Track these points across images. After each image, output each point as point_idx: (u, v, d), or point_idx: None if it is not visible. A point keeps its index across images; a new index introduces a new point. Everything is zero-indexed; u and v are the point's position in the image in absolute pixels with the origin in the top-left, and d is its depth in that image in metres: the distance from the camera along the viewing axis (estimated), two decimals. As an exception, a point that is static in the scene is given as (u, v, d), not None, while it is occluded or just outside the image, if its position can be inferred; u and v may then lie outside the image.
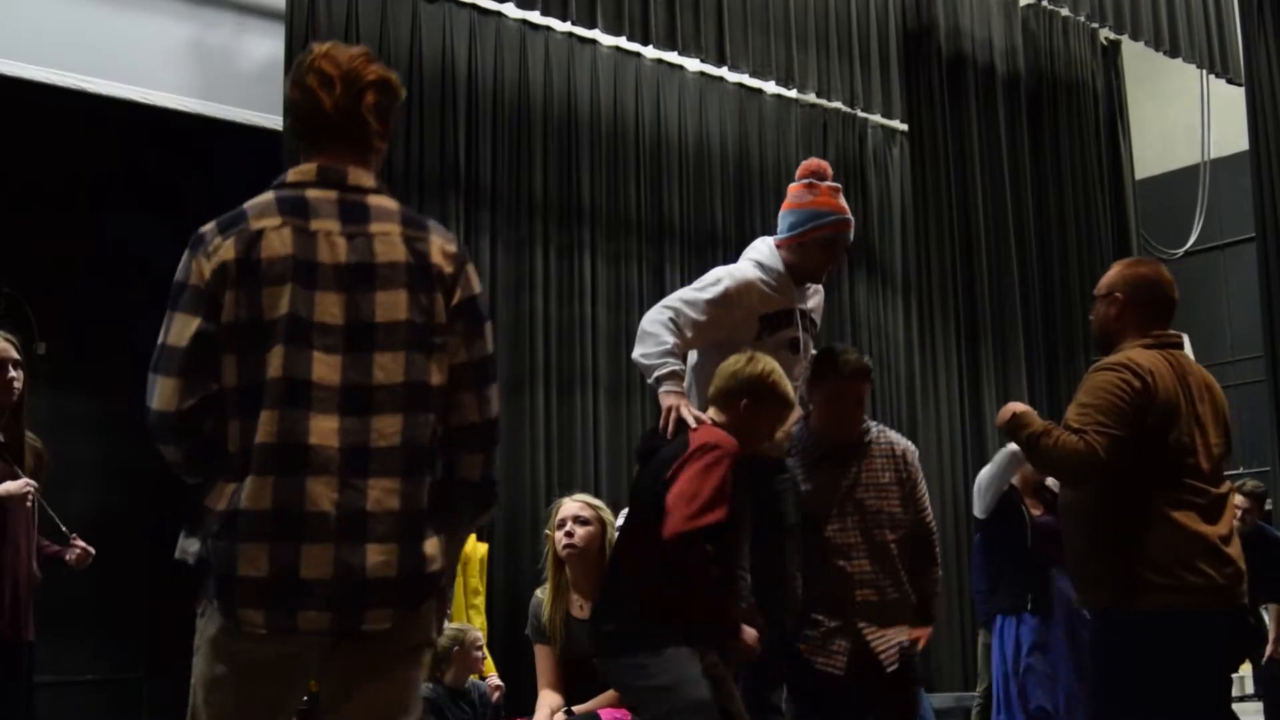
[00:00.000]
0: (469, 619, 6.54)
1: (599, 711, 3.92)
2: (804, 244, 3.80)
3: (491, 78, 7.59)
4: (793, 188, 3.91)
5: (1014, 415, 3.55)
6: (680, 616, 3.21)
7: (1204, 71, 9.83)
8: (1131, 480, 3.38)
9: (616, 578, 3.42)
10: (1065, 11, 9.33)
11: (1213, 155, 10.33)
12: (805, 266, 3.82)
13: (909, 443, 4.06)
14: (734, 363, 3.41)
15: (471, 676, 5.12)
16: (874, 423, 4.08)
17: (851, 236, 3.89)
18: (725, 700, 3.31)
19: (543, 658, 4.10)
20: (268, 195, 2.31)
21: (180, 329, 2.20)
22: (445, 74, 7.37)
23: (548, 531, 4.11)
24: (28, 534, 4.01)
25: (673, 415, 3.39)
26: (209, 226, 2.30)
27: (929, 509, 4.05)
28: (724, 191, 8.50)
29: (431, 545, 2.20)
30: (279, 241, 2.21)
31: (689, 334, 3.62)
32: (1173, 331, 3.63)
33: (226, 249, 2.23)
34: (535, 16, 7.55)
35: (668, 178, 8.26)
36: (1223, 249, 10.76)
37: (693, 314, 3.63)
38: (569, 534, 3.99)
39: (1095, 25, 9.52)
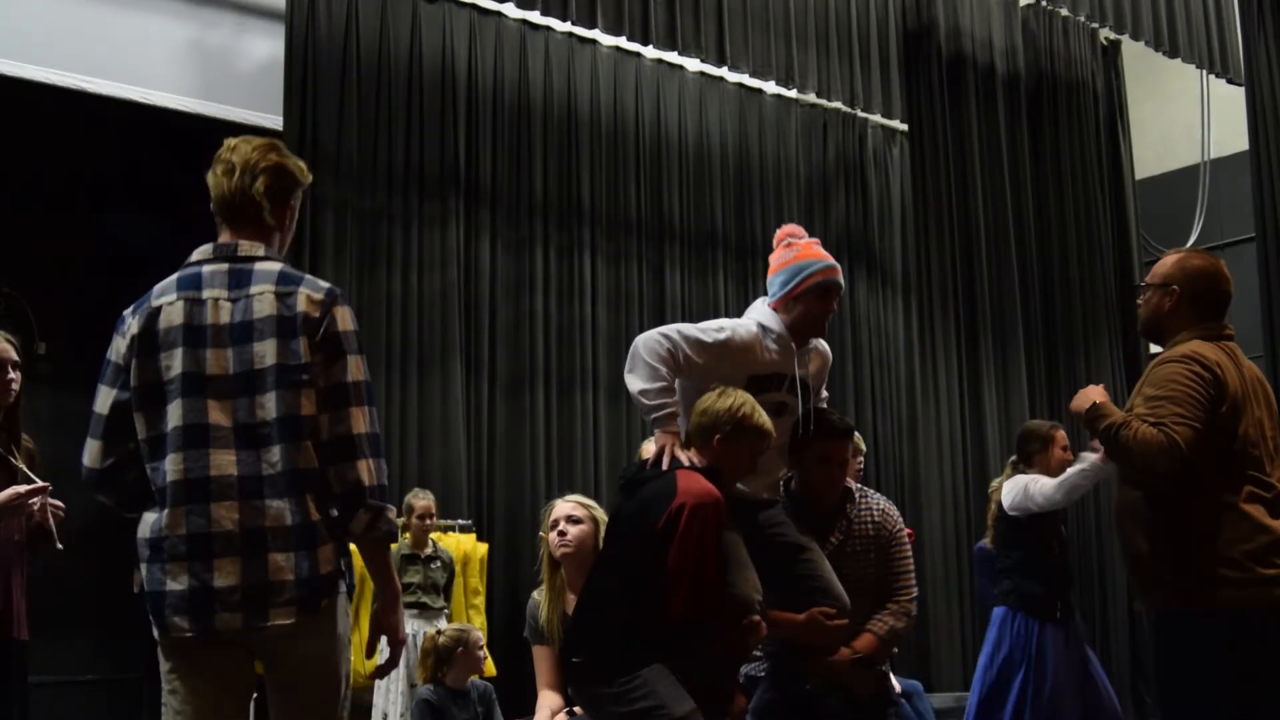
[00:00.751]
0: (469, 619, 6.54)
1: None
2: (798, 298, 3.80)
3: (491, 78, 7.59)
4: (773, 254, 3.93)
5: (1093, 405, 3.47)
6: (655, 645, 3.22)
7: (1204, 71, 9.83)
8: (1197, 475, 3.30)
9: (587, 610, 3.44)
10: (1065, 11, 9.32)
11: (1213, 155, 10.32)
12: (806, 320, 3.81)
13: (891, 505, 4.04)
14: (706, 400, 3.47)
15: (472, 676, 5.13)
16: (857, 486, 4.05)
17: (843, 285, 3.89)
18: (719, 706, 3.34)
19: (541, 659, 4.10)
20: (171, 276, 2.73)
21: (103, 400, 2.72)
22: (445, 74, 7.37)
23: (542, 534, 4.13)
24: (19, 533, 4.01)
25: (666, 454, 3.46)
26: (128, 309, 2.74)
27: (909, 575, 3.97)
28: (724, 191, 8.50)
29: (326, 551, 2.58)
30: (173, 313, 2.64)
31: (683, 368, 3.64)
32: (1227, 325, 3.54)
33: (133, 325, 2.68)
34: (535, 16, 7.56)
35: (668, 178, 8.27)
36: (1223, 249, 10.74)
37: (690, 352, 3.63)
38: (562, 534, 4.00)
39: (1095, 25, 9.52)
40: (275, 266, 2.68)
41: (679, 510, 3.22)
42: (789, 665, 3.81)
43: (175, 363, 2.60)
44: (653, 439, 3.63)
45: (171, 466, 2.56)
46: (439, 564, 6.41)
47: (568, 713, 4.00)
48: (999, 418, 9.30)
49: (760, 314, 3.86)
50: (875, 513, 3.95)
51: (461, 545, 6.73)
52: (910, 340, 8.97)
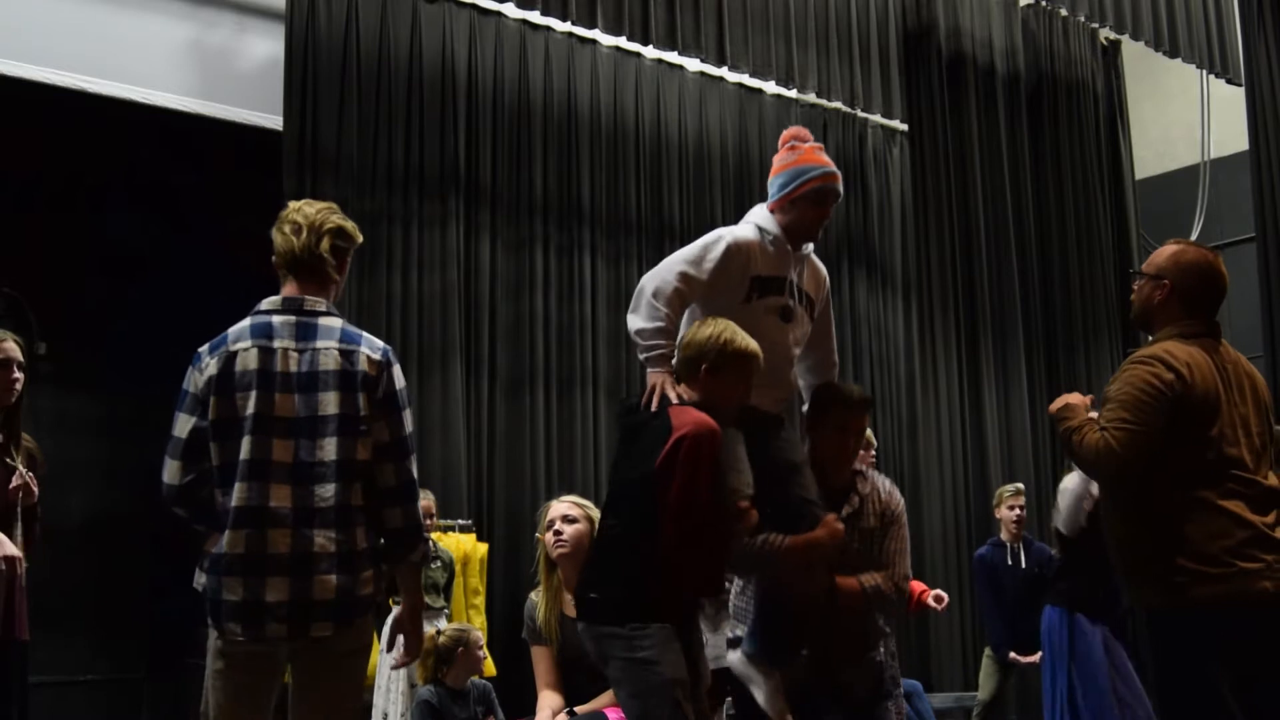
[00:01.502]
0: (469, 619, 6.54)
1: (604, 710, 3.93)
2: (795, 201, 3.83)
3: (491, 78, 7.59)
4: (776, 156, 3.96)
5: (1063, 406, 3.51)
6: (668, 595, 3.28)
7: (1204, 71, 9.83)
8: (1170, 475, 3.32)
9: (600, 551, 3.51)
10: (1065, 11, 9.32)
11: (1213, 155, 10.32)
12: (800, 225, 3.84)
13: (894, 487, 4.05)
14: (688, 334, 3.51)
15: (472, 676, 5.13)
16: (865, 467, 4.06)
17: (841, 190, 3.91)
18: (696, 684, 3.36)
19: (540, 659, 4.12)
20: (245, 322, 3.08)
21: (182, 425, 3.05)
22: (445, 74, 7.37)
23: (538, 535, 4.14)
24: (22, 534, 4.02)
25: (656, 392, 3.48)
26: (204, 348, 3.09)
27: (905, 556, 3.96)
28: (724, 191, 8.50)
29: (366, 575, 3.00)
30: (249, 359, 3.01)
31: (690, 295, 3.68)
32: (1216, 321, 3.54)
33: (211, 366, 3.03)
34: (535, 16, 7.55)
35: (668, 178, 8.26)
36: (1223, 249, 10.74)
37: (694, 272, 3.67)
38: (558, 534, 4.02)
39: (1095, 25, 9.52)
40: (337, 323, 3.10)
41: (675, 445, 3.26)
42: (775, 614, 3.76)
43: (249, 403, 2.98)
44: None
45: (237, 494, 2.95)
46: (439, 564, 6.40)
47: (568, 713, 4.01)
48: (999, 418, 9.31)
49: (758, 216, 3.90)
50: (882, 492, 3.97)
51: (461, 545, 6.72)
52: (910, 340, 8.97)
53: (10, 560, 3.90)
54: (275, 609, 2.91)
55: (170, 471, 3.05)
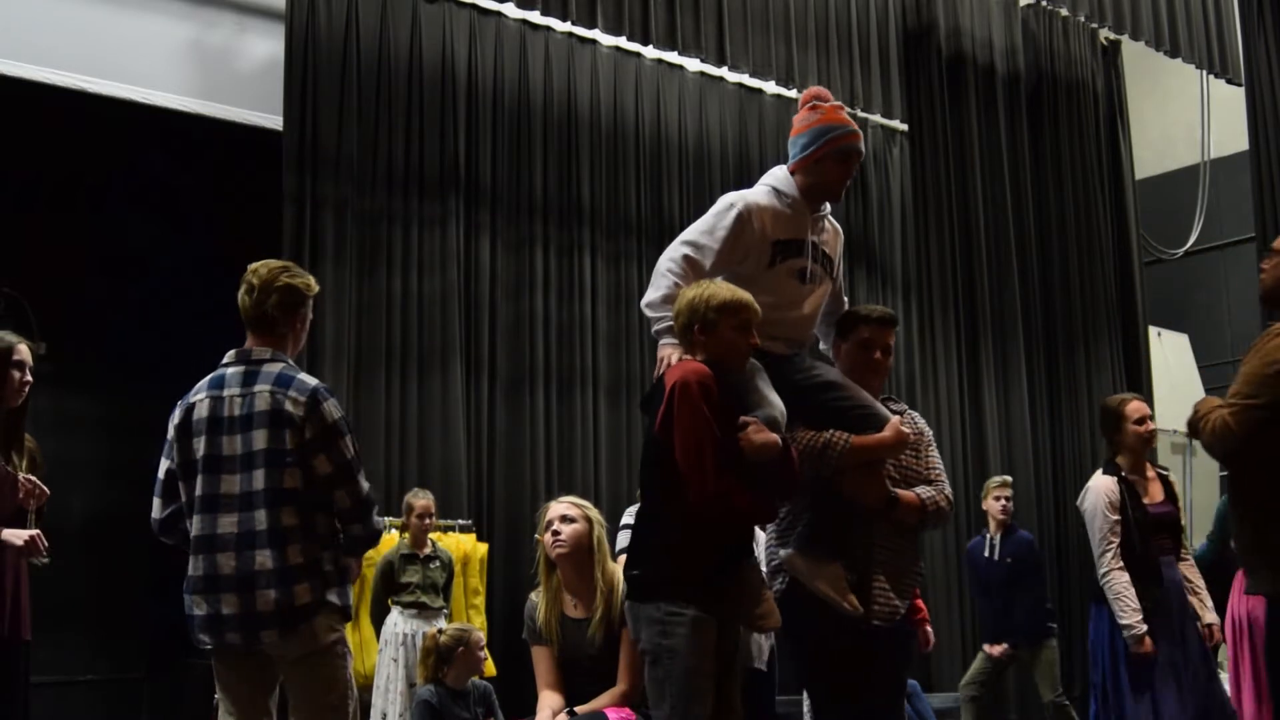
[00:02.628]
0: (469, 619, 6.54)
1: (604, 710, 3.93)
2: (819, 161, 3.74)
3: (491, 78, 7.59)
4: (797, 116, 3.89)
5: (1201, 401, 3.46)
6: (687, 569, 3.26)
7: (1204, 71, 9.84)
8: None
9: (638, 530, 3.51)
10: (1065, 11, 9.33)
11: (1213, 155, 10.33)
12: (824, 184, 3.76)
13: (922, 420, 3.97)
14: (675, 304, 3.47)
15: (472, 676, 5.12)
16: (895, 400, 3.97)
17: (864, 150, 3.85)
18: (725, 678, 3.34)
19: (541, 659, 4.11)
20: (206, 377, 3.53)
21: (162, 468, 3.55)
22: (445, 74, 7.37)
23: (537, 536, 4.14)
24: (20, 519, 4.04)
25: (662, 365, 3.48)
26: (180, 400, 3.55)
27: (943, 474, 3.88)
28: (724, 191, 8.46)
29: (300, 589, 3.36)
30: (201, 408, 3.48)
31: (707, 267, 3.62)
32: None
33: (176, 415, 3.52)
34: (535, 16, 7.55)
35: (668, 178, 8.26)
36: (1223, 249, 10.76)
37: (709, 243, 3.62)
38: (556, 534, 4.02)
39: (1095, 25, 9.52)
40: (276, 368, 3.47)
41: (669, 399, 3.26)
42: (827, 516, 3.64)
43: (201, 446, 3.44)
44: None
45: (195, 525, 3.43)
46: (438, 564, 6.40)
47: (568, 713, 4.01)
48: (999, 418, 9.31)
49: (774, 178, 3.83)
50: (909, 415, 3.88)
51: (461, 545, 6.72)
52: (910, 340, 8.97)
53: (30, 542, 3.96)
54: (230, 621, 3.37)
55: (155, 508, 3.56)
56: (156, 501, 3.55)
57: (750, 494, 3.31)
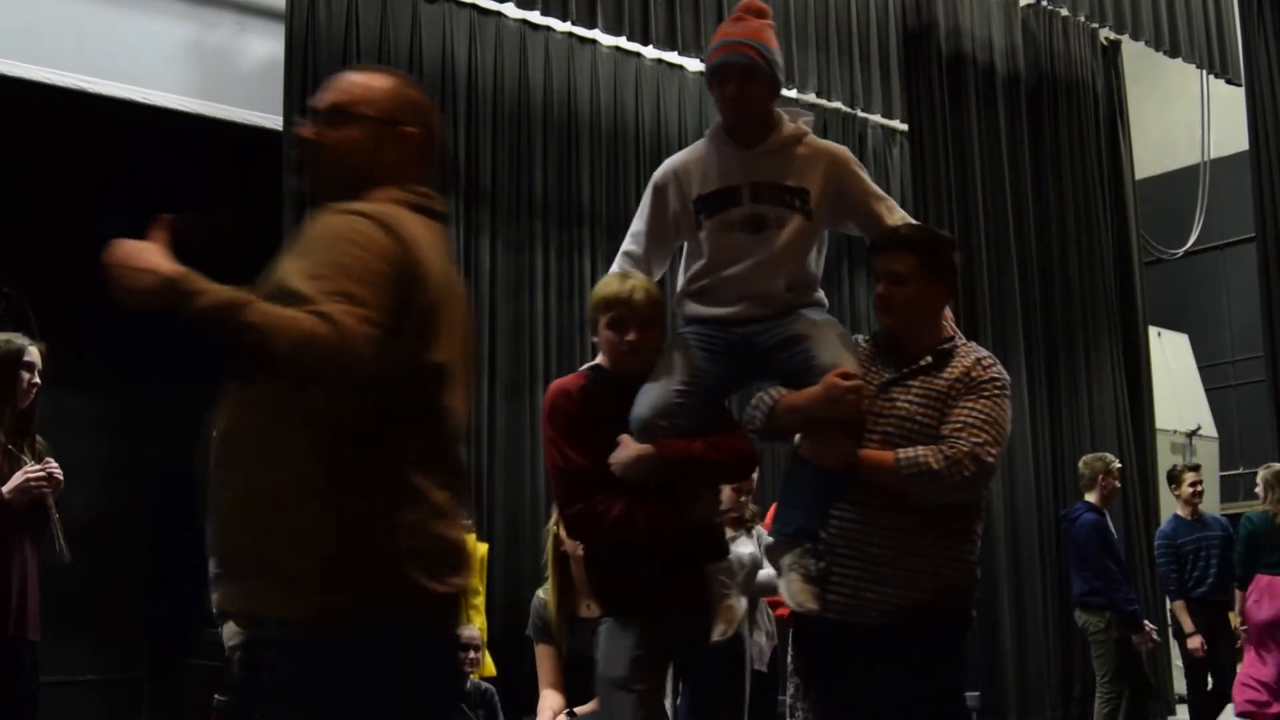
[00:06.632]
0: (469, 619, 6.54)
1: (601, 711, 3.92)
2: (710, 90, 3.26)
3: (491, 78, 7.59)
4: None
5: None
6: (619, 589, 3.15)
7: (1204, 71, 9.83)
8: None
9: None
10: (1065, 11, 9.32)
11: (1213, 155, 10.33)
12: (723, 114, 3.25)
13: (998, 366, 3.16)
14: None
15: (472, 676, 5.12)
16: (962, 340, 3.23)
17: (747, 60, 3.13)
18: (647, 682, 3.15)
19: (544, 658, 4.10)
20: None
21: None
22: (445, 74, 7.36)
23: (550, 527, 4.09)
24: (31, 532, 4.04)
25: None
26: None
27: (980, 428, 3.02)
28: (724, 191, 8.49)
29: None
30: None
31: (642, 254, 3.39)
32: None
33: None
34: (535, 16, 7.55)
35: (668, 178, 8.26)
36: (1223, 249, 10.77)
37: (639, 228, 3.38)
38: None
39: (1095, 25, 9.52)
40: None
41: None
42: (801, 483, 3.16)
43: None
44: None
45: None
46: (439, 564, 6.40)
47: (568, 713, 4.00)
48: (999, 418, 9.29)
49: (711, 126, 3.36)
50: (969, 359, 3.11)
51: (461, 545, 6.72)
52: (910, 340, 8.95)
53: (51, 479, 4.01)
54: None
55: None
56: None
57: (623, 504, 3.00)
